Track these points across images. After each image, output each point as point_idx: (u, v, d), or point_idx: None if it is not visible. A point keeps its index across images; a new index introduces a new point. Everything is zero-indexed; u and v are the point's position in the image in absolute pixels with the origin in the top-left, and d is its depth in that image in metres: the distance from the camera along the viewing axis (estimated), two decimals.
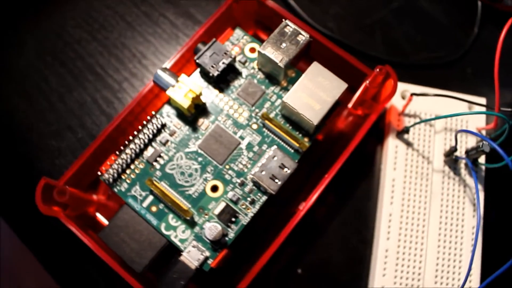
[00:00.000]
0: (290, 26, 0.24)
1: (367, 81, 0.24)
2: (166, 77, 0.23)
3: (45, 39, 0.30)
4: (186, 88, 0.23)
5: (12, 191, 0.28)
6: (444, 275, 0.25)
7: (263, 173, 0.23)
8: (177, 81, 0.23)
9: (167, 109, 0.25)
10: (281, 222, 0.23)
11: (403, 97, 0.28)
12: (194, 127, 0.24)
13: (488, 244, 0.26)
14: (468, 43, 0.30)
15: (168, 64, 0.25)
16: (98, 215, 0.27)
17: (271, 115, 0.25)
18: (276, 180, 0.23)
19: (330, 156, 0.27)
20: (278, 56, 0.23)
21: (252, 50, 0.26)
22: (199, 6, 0.31)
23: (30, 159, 0.28)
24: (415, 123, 0.26)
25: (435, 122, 0.27)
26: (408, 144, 0.27)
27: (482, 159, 0.27)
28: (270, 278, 0.26)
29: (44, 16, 0.31)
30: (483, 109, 0.27)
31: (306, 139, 0.24)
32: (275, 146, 0.23)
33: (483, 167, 0.27)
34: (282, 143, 0.24)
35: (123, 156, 0.24)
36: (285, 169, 0.23)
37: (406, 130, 0.27)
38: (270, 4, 0.26)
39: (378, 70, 0.24)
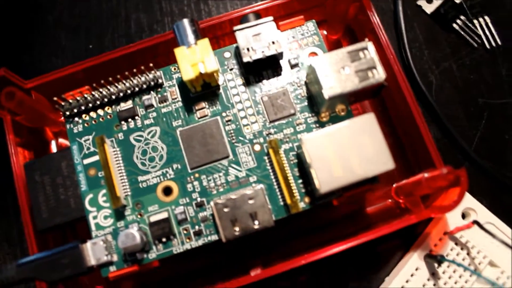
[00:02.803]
0: (368, 52, 0.17)
1: (425, 174, 0.17)
2: (186, 32, 0.18)
3: None
4: (200, 57, 0.18)
5: None
6: None
7: (227, 210, 0.17)
8: (195, 43, 0.18)
9: (174, 72, 0.20)
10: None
11: (463, 216, 0.21)
12: (189, 108, 0.19)
13: None
14: None
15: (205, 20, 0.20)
16: (53, 143, 0.23)
17: (283, 147, 0.19)
18: (235, 229, 0.17)
19: (331, 232, 0.20)
20: (329, 81, 0.17)
21: (313, 54, 0.20)
22: None
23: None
24: (453, 262, 0.19)
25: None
26: (434, 275, 0.20)
27: None
28: None
29: None
30: None
31: (306, 200, 0.18)
32: (261, 186, 0.18)
33: None
34: (276, 188, 0.18)
35: (96, 94, 0.19)
36: (255, 222, 0.17)
37: (439, 260, 0.19)
38: (368, 15, 0.20)
39: (445, 171, 0.16)
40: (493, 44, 0.24)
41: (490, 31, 0.24)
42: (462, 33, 0.24)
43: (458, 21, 0.24)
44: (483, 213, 0.21)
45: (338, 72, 0.17)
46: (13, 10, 0.26)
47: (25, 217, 0.19)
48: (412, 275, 0.20)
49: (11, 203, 0.23)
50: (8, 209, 0.23)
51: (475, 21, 0.24)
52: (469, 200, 0.21)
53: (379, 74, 0.17)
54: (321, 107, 0.19)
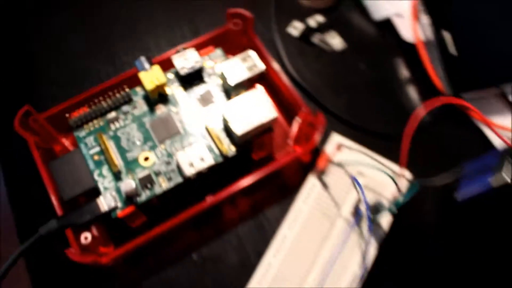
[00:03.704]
0: (251, 56, 0.31)
1: (297, 118, 0.30)
2: (144, 63, 0.31)
3: None
4: (154, 75, 0.30)
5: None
6: None
7: (184, 158, 0.29)
8: (150, 68, 0.31)
9: (139, 89, 0.32)
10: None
11: (338, 149, 0.33)
12: (152, 109, 0.31)
13: None
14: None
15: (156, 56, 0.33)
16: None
17: (214, 122, 0.31)
18: (192, 168, 0.29)
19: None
20: (232, 75, 0.30)
21: None
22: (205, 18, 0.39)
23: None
24: (335, 163, 0.31)
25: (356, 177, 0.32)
26: (325, 186, 0.32)
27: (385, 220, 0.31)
28: (164, 252, 0.31)
29: None
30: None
31: (232, 148, 0.30)
32: (204, 142, 0.30)
33: (386, 225, 0.31)
34: (213, 145, 0.30)
35: (92, 111, 0.31)
36: (203, 162, 0.29)
37: (322, 173, 0.32)
38: (258, 44, 0.33)
39: (303, 108, 0.29)
40: (340, 47, 0.38)
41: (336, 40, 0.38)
42: (319, 44, 0.38)
43: (315, 37, 0.38)
44: (350, 145, 0.33)
45: (237, 69, 0.30)
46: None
47: (54, 195, 0.29)
48: (310, 191, 0.32)
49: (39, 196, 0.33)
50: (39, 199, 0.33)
51: (327, 35, 0.38)
52: (340, 138, 0.33)
53: (261, 66, 0.30)
54: (231, 93, 0.31)
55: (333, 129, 0.34)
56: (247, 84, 0.31)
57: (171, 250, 0.31)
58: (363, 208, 0.31)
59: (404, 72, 0.37)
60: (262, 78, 0.31)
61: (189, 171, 0.29)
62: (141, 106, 0.31)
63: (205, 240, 0.32)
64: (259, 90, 0.30)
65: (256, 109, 0.29)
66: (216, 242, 0.32)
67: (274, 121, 0.30)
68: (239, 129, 0.29)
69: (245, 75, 0.30)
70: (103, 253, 0.29)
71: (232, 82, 0.30)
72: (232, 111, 0.29)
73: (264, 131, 0.30)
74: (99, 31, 0.39)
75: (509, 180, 0.28)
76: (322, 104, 0.35)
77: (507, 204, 0.32)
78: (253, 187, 0.32)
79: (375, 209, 0.31)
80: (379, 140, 0.34)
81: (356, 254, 0.30)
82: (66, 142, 0.33)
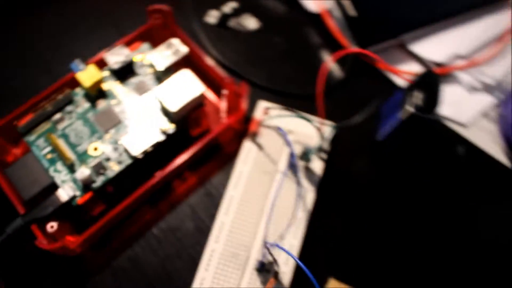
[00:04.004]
0: (174, 42, 0.35)
1: (224, 91, 0.34)
2: (78, 65, 0.34)
3: None
4: (90, 74, 0.34)
5: None
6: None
7: (129, 141, 0.32)
8: (85, 68, 0.34)
9: (79, 90, 0.35)
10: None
11: (266, 113, 0.38)
12: (93, 105, 0.35)
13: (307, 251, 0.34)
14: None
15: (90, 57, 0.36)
16: None
17: (151, 107, 0.35)
18: (138, 148, 0.32)
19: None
20: (159, 61, 0.34)
21: None
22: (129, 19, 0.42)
23: None
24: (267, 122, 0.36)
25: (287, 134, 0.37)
26: (260, 147, 0.36)
27: (318, 166, 0.36)
28: (126, 232, 0.34)
29: None
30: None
31: (171, 126, 0.34)
32: (144, 125, 0.33)
33: (320, 171, 0.35)
34: (154, 125, 0.34)
35: (38, 116, 0.34)
36: (147, 141, 0.32)
37: (255, 136, 0.36)
38: (179, 33, 0.37)
39: (226, 80, 0.34)
40: (255, 26, 0.42)
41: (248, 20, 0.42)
42: (236, 26, 0.42)
43: (232, 22, 0.42)
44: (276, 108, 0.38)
45: (163, 56, 0.34)
46: None
47: (15, 198, 0.32)
48: (248, 154, 0.36)
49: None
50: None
51: (242, 18, 0.42)
52: (266, 103, 0.38)
53: (184, 49, 0.35)
54: (162, 79, 0.35)
55: (259, 98, 0.39)
56: (175, 68, 0.35)
57: (133, 229, 0.35)
58: (297, 159, 0.36)
59: (315, 39, 0.42)
60: (188, 62, 0.35)
61: (136, 151, 0.32)
62: (83, 104, 0.35)
63: (162, 215, 0.35)
64: (185, 71, 0.34)
65: (185, 88, 0.33)
66: (172, 215, 0.35)
67: (202, 95, 0.34)
68: (173, 107, 0.33)
69: (171, 59, 0.34)
70: (69, 241, 0.32)
71: (160, 67, 0.34)
72: (165, 93, 0.33)
73: (196, 107, 0.34)
74: (28, 45, 0.41)
75: (413, 110, 0.33)
76: (246, 77, 0.40)
77: (417, 131, 0.37)
78: (197, 160, 0.36)
79: (305, 157, 0.35)
80: (301, 100, 0.39)
81: (297, 200, 0.35)
82: (17, 152, 0.36)
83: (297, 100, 0.39)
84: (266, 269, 0.32)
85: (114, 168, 0.33)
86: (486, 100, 0.41)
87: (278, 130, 0.36)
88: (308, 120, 0.34)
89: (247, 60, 0.41)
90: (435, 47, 0.41)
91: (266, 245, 0.30)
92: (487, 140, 0.40)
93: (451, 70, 0.41)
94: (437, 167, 0.38)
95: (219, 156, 0.37)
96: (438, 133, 0.40)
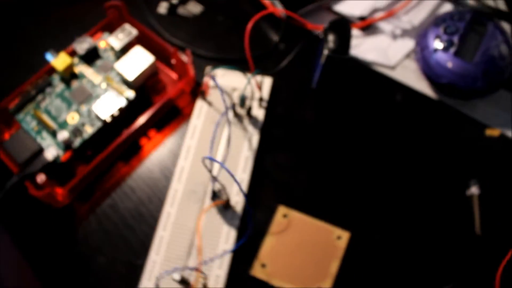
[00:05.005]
0: (126, 27, 0.43)
1: (173, 60, 0.42)
2: (52, 54, 0.43)
3: None
4: (62, 60, 0.42)
5: None
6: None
7: (99, 108, 0.41)
8: (58, 56, 0.43)
9: (55, 75, 0.44)
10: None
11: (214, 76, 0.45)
12: (68, 85, 0.43)
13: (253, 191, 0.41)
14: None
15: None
16: None
17: (112, 76, 0.43)
18: (106, 112, 0.40)
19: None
20: (116, 42, 0.42)
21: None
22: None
23: None
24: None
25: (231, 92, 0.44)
26: (210, 104, 0.44)
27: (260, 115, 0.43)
28: (106, 185, 0.42)
29: None
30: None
31: (132, 93, 0.42)
32: (108, 91, 0.41)
33: (261, 117, 0.43)
34: (117, 94, 0.42)
35: (24, 98, 0.42)
36: (113, 106, 0.41)
37: (203, 93, 0.44)
38: (132, 21, 0.46)
39: (171, 50, 0.42)
40: (200, 10, 0.51)
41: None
42: (184, 13, 0.50)
43: (180, 9, 0.51)
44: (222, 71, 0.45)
45: (119, 39, 0.43)
46: None
47: (10, 164, 0.40)
48: (200, 109, 0.44)
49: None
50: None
51: (188, 5, 0.51)
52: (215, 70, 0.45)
53: (134, 32, 0.43)
54: (121, 57, 0.43)
55: (210, 64, 0.46)
56: (130, 47, 0.43)
57: (111, 182, 0.42)
58: (239, 109, 0.43)
59: (251, 12, 0.50)
60: (142, 42, 0.44)
61: (104, 115, 0.40)
62: (60, 86, 0.43)
63: (134, 168, 0.43)
64: (137, 47, 0.42)
65: (139, 60, 0.42)
66: (142, 167, 0.43)
67: (154, 64, 0.42)
68: (131, 76, 0.41)
69: (125, 40, 0.43)
70: (57, 192, 0.40)
71: (117, 47, 0.42)
72: (123, 66, 0.41)
73: (151, 75, 0.42)
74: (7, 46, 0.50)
75: (326, 53, 0.41)
76: (197, 53, 0.48)
77: (337, 71, 0.44)
78: (160, 122, 0.44)
79: (242, 103, 0.42)
80: (245, 64, 0.46)
81: (245, 142, 0.42)
82: (11, 132, 0.44)
83: (243, 64, 0.46)
84: (218, 196, 0.39)
85: (89, 131, 0.41)
86: (408, 43, 0.47)
87: (218, 87, 0.43)
88: (240, 70, 0.41)
89: (197, 38, 0.49)
90: (356, 4, 0.48)
91: (203, 160, 0.35)
92: (412, 77, 0.46)
93: (373, 21, 0.48)
94: (373, 108, 0.45)
95: (179, 118, 0.45)
96: (369, 77, 0.47)
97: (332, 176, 0.42)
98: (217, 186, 0.39)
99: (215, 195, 0.39)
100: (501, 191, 0.41)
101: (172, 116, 0.45)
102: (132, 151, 0.43)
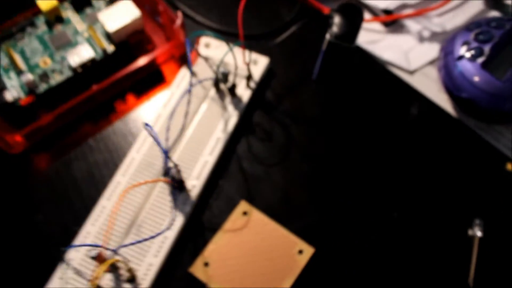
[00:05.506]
0: None
1: (160, 18, 0.39)
2: None
3: None
4: (49, 1, 0.39)
5: None
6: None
7: (71, 55, 0.37)
8: None
9: (41, 16, 0.41)
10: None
11: (207, 46, 0.41)
12: (51, 29, 0.40)
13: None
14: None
15: None
16: None
17: (96, 27, 0.40)
18: (77, 60, 0.37)
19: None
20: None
21: None
22: None
23: None
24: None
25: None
26: (194, 75, 0.40)
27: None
28: (67, 140, 0.39)
29: None
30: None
31: (111, 47, 0.39)
32: (88, 41, 0.38)
33: (246, 99, 0.38)
34: (96, 45, 0.39)
35: (4, 33, 0.40)
36: (86, 55, 0.37)
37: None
38: None
39: (160, 7, 0.38)
40: None
41: None
42: None
43: None
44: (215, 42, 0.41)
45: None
46: None
47: None
48: (182, 79, 0.40)
49: None
50: None
51: None
52: (208, 39, 0.41)
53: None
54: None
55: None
56: None
57: (73, 138, 0.39)
58: (222, 84, 0.38)
59: None
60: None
61: (74, 63, 0.37)
62: (42, 28, 0.40)
63: (100, 129, 0.39)
64: (127, 0, 0.39)
65: (124, 13, 0.38)
66: (109, 130, 0.39)
67: (139, 20, 0.38)
68: (111, 27, 0.37)
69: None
70: (11, 136, 0.37)
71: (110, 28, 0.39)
72: (107, 17, 0.38)
73: (135, 32, 0.39)
74: None
75: (328, 38, 0.35)
76: (196, 19, 0.44)
77: (339, 60, 0.38)
78: (141, 86, 0.40)
79: (224, 79, 0.37)
80: (248, 40, 0.42)
81: (220, 122, 0.37)
82: None
83: (246, 42, 0.42)
84: (173, 175, 0.35)
85: (57, 78, 0.38)
86: (434, 49, 0.41)
87: (199, 55, 0.39)
88: (223, 40, 0.36)
89: (200, 3, 0.44)
90: None
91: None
92: (431, 87, 0.40)
93: (399, 17, 0.41)
94: (379, 112, 0.39)
95: (161, 85, 0.41)
96: (381, 77, 0.41)
97: (312, 182, 0.36)
98: (173, 164, 0.35)
99: (168, 173, 0.34)
100: (507, 238, 0.34)
101: (155, 82, 0.41)
102: (104, 111, 0.40)
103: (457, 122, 0.39)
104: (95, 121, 0.40)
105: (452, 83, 0.36)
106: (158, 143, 0.30)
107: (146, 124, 0.28)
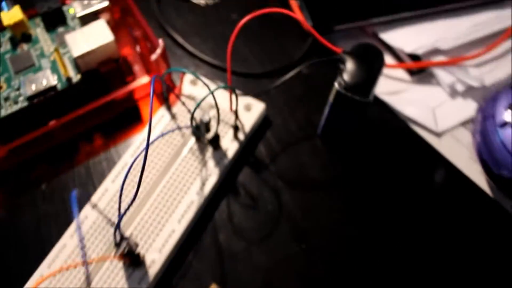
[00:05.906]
0: None
1: (137, 46, 0.32)
2: (8, 5, 0.34)
3: None
4: (13, 14, 0.34)
5: None
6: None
7: (29, 81, 0.31)
8: (11, 9, 0.34)
9: (7, 32, 0.35)
10: None
11: (193, 83, 0.34)
12: (15, 48, 0.34)
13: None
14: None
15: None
16: None
17: (63, 50, 0.33)
18: (34, 88, 0.31)
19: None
20: (79, 8, 0.33)
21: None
22: None
23: None
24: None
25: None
26: (174, 118, 0.33)
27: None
28: (16, 185, 0.33)
29: None
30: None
31: (78, 75, 0.32)
32: (51, 67, 0.32)
33: (231, 154, 0.31)
34: (61, 72, 0.33)
35: None
36: (46, 83, 0.31)
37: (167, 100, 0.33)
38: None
39: (136, 33, 0.31)
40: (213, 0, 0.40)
41: None
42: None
43: None
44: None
45: (85, 6, 0.33)
46: None
47: None
48: (160, 120, 0.33)
49: None
50: None
51: None
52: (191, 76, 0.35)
53: (104, 2, 0.33)
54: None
55: (200, 71, 0.36)
56: (94, 18, 0.34)
57: (24, 182, 0.33)
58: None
59: (276, 19, 0.39)
60: (124, 18, 0.34)
61: (31, 91, 0.31)
62: (6, 46, 0.35)
63: (57, 174, 0.33)
64: (100, 21, 0.32)
65: (95, 36, 0.32)
66: (67, 175, 0.33)
67: (112, 47, 0.32)
68: (77, 52, 0.31)
69: (90, 8, 0.33)
70: None
71: (78, 14, 0.33)
72: (74, 39, 0.32)
73: (108, 60, 0.32)
74: None
75: (337, 87, 0.28)
76: (188, 50, 0.37)
77: (349, 115, 0.31)
78: (113, 124, 0.34)
79: (197, 131, 0.31)
80: (242, 78, 0.35)
81: (196, 181, 0.31)
82: None
83: (246, 81, 0.35)
84: (126, 247, 0.28)
85: (10, 108, 0.31)
86: (468, 108, 0.33)
87: (177, 97, 0.32)
88: (202, 80, 0.30)
89: (195, 33, 0.38)
90: (411, 37, 0.35)
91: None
92: (462, 155, 0.32)
93: (428, 65, 0.34)
94: (395, 178, 0.32)
95: (137, 126, 0.34)
96: (401, 136, 0.33)
97: (304, 269, 0.29)
98: (128, 232, 0.28)
99: (119, 244, 0.27)
100: None
101: (130, 122, 0.35)
102: (65, 152, 0.34)
103: (491, 202, 0.31)
104: (53, 164, 0.33)
105: (490, 155, 0.29)
106: (78, 219, 0.23)
107: (72, 194, 0.21)
